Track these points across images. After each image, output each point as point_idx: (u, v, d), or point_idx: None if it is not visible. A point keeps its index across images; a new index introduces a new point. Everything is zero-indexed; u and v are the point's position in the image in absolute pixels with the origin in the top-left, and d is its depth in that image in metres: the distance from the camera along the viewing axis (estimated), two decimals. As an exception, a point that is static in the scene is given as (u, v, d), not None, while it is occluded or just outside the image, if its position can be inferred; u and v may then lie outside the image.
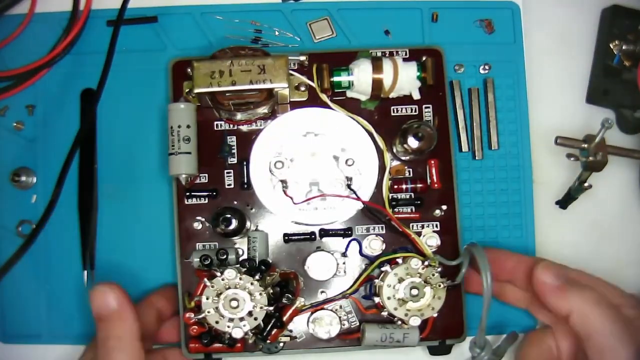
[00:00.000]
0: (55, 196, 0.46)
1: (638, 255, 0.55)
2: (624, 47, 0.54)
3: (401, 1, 0.55)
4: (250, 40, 0.53)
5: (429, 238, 0.49)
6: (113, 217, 0.52)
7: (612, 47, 0.55)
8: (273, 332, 0.46)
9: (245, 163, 0.50)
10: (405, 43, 0.53)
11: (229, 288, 0.44)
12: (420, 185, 0.50)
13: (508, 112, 0.54)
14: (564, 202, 0.54)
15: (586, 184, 0.51)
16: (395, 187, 0.50)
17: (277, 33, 0.54)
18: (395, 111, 0.51)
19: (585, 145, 0.50)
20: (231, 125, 0.50)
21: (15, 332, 0.52)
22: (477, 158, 0.53)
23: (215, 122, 0.50)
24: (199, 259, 0.46)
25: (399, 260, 0.46)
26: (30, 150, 0.53)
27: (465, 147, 0.53)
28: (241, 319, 0.43)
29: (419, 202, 0.50)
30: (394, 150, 0.50)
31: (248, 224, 0.49)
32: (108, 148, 0.53)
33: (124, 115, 0.53)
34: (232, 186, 0.50)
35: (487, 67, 0.54)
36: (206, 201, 0.50)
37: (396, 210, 0.50)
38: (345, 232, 0.50)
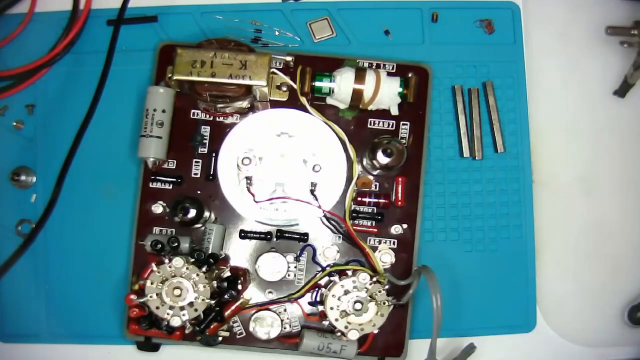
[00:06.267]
0: (55, 195, 0.46)
1: (638, 255, 0.55)
2: None
3: (401, 1, 0.55)
4: (251, 39, 0.53)
5: (384, 254, 0.49)
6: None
7: None
8: (212, 326, 0.46)
9: (214, 154, 0.50)
10: (405, 43, 0.54)
11: (175, 276, 0.44)
12: (383, 200, 0.50)
13: (508, 112, 0.54)
14: (622, 91, 0.54)
15: None
16: (359, 199, 0.50)
17: (277, 33, 0.54)
18: (373, 124, 0.51)
19: (636, 32, 0.50)
20: (207, 116, 0.51)
21: (15, 331, 0.52)
22: (477, 158, 0.53)
23: (192, 110, 0.51)
24: (149, 243, 0.47)
25: (349, 272, 0.46)
26: (30, 150, 0.52)
27: (466, 153, 0.53)
28: (182, 308, 0.44)
29: (379, 217, 0.50)
30: (364, 163, 0.50)
31: (207, 215, 0.49)
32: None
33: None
34: (198, 176, 0.50)
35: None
36: (170, 187, 0.50)
37: (356, 222, 0.50)
38: (302, 237, 0.50)
